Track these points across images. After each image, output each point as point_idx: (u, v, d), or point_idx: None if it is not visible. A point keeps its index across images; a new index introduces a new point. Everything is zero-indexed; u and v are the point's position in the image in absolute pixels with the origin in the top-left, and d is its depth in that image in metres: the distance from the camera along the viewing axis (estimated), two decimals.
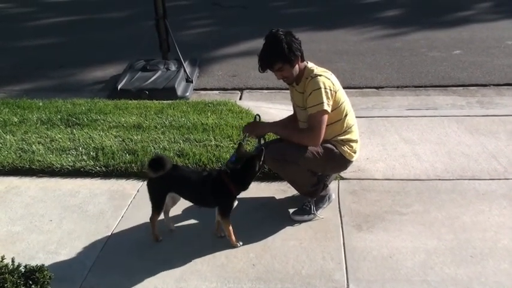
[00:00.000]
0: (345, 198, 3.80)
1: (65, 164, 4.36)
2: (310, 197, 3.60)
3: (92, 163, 4.36)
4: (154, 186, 3.31)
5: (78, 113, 5.40)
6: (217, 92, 6.61)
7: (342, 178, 4.06)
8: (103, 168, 4.31)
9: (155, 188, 3.31)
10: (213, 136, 4.73)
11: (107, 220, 3.67)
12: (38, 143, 4.74)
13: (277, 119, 5.10)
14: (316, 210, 3.59)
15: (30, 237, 3.50)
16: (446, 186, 3.92)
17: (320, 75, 3.41)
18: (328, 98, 3.35)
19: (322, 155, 3.46)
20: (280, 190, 3.96)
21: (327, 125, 3.40)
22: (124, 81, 6.43)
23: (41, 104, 5.76)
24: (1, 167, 4.39)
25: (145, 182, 3.43)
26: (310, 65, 3.52)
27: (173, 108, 5.51)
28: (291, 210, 3.63)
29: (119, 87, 6.29)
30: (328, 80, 3.41)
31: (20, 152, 4.59)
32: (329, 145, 3.50)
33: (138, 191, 4.03)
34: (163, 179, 3.19)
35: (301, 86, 3.50)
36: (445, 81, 6.59)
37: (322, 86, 3.35)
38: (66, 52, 8.55)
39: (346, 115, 3.52)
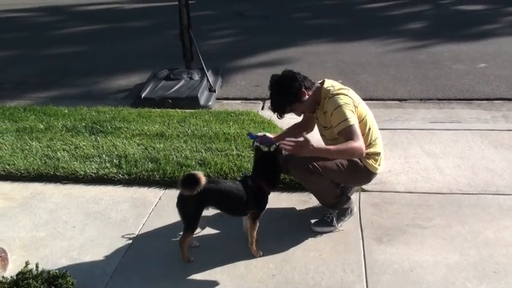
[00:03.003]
0: (366, 211, 3.78)
1: (88, 171, 4.42)
2: (333, 209, 3.59)
3: (115, 171, 4.41)
4: (188, 204, 3.15)
5: (103, 121, 5.48)
6: (239, 101, 6.64)
7: (363, 190, 4.04)
8: (126, 176, 4.36)
9: (190, 206, 3.16)
10: (235, 146, 4.76)
11: (129, 227, 3.70)
12: (63, 150, 4.82)
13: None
14: (338, 223, 3.58)
15: (53, 243, 3.55)
16: (470, 200, 3.87)
17: (337, 94, 3.40)
18: (351, 111, 3.33)
19: (347, 167, 3.45)
20: (301, 201, 3.96)
21: None
22: (148, 89, 6.51)
23: (66, 111, 5.86)
24: (27, 173, 4.47)
25: (176, 200, 3.21)
26: (327, 84, 3.50)
27: (196, 117, 5.56)
28: (312, 221, 3.62)
29: (142, 96, 6.37)
30: (346, 96, 3.40)
31: (45, 158, 4.67)
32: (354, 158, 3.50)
33: (160, 199, 4.07)
34: (198, 194, 3.07)
35: (322, 106, 3.50)
36: (469, 95, 6.52)
37: (341, 103, 3.34)
38: (92, 60, 8.70)
39: (369, 128, 3.51)
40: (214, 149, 4.73)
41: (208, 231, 3.63)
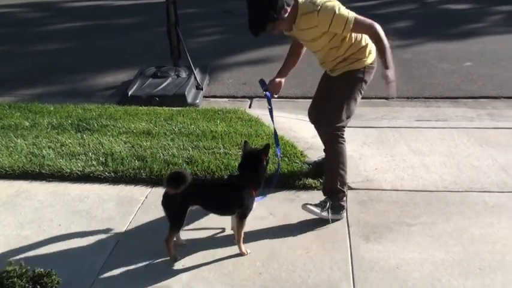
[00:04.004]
0: (352, 208, 3.79)
1: (74, 169, 4.38)
2: (330, 198, 3.61)
3: (101, 168, 4.38)
4: (173, 202, 3.15)
5: (89, 119, 5.44)
6: (226, 99, 6.64)
7: (350, 188, 4.05)
8: (112, 174, 4.33)
9: (175, 205, 3.16)
10: (222, 144, 4.75)
11: (116, 225, 3.68)
12: (49, 148, 4.78)
13: (286, 127, 5.15)
14: (330, 215, 3.58)
15: (38, 241, 3.52)
16: (455, 198, 3.90)
17: (323, 2, 3.39)
18: (345, 9, 3.42)
19: (355, 92, 3.70)
20: (288, 199, 3.96)
21: (338, 46, 3.58)
22: (135, 87, 6.47)
23: (52, 108, 5.81)
24: (11, 170, 4.42)
25: (161, 198, 3.23)
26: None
27: (183, 115, 5.54)
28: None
29: (129, 93, 6.33)
30: (330, 1, 3.43)
31: (30, 156, 4.63)
32: (349, 79, 3.68)
33: (146, 197, 4.05)
34: (184, 193, 3.07)
35: (302, 23, 3.48)
36: (455, 93, 6.58)
37: (335, 9, 3.37)
38: (79, 57, 8.64)
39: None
40: (202, 147, 4.72)
41: (195, 229, 3.62)
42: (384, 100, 6.39)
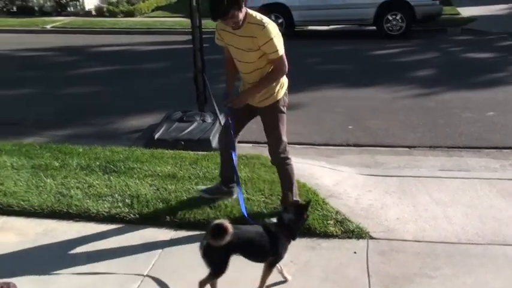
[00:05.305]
0: (373, 259, 3.81)
1: (100, 210, 4.51)
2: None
3: (127, 210, 4.50)
4: (216, 252, 3.15)
5: (116, 161, 5.59)
6: (250, 145, 6.72)
7: (372, 238, 4.08)
8: (137, 216, 4.44)
9: (217, 255, 3.17)
10: (245, 189, 4.83)
11: (139, 267, 3.76)
12: (77, 188, 4.92)
13: (307, 174, 5.23)
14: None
15: (64, 279, 3.61)
16: (477, 250, 3.90)
17: (269, 23, 3.88)
18: (280, 43, 3.92)
19: (282, 122, 4.27)
20: (309, 247, 3.99)
21: (262, 68, 4.04)
22: (161, 131, 6.64)
23: (81, 150, 5.99)
24: (40, 209, 4.56)
25: (201, 247, 3.21)
26: (249, 10, 3.92)
27: (207, 160, 5.65)
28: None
29: (155, 137, 6.49)
30: (275, 25, 3.92)
31: (59, 195, 4.77)
32: (277, 109, 4.22)
33: (170, 239, 4.13)
34: (226, 243, 3.09)
35: (246, 30, 3.89)
36: (478, 143, 6.58)
37: (276, 34, 3.87)
38: (108, 100, 8.90)
39: None
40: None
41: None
42: (406, 149, 6.43)
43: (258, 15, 3.93)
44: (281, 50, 3.93)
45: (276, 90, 4.15)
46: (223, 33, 4.07)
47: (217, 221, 3.08)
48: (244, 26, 3.88)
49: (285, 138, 4.31)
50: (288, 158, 4.38)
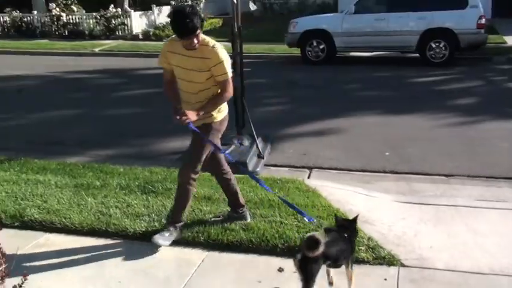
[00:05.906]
0: (404, 286, 3.79)
1: (137, 229, 4.64)
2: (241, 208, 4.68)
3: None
4: (311, 264, 3.31)
5: (154, 181, 5.76)
6: (286, 169, 6.79)
7: (403, 265, 4.06)
8: None
9: (313, 265, 3.31)
10: (279, 213, 4.89)
11: (172, 286, 3.86)
12: (116, 207, 5.09)
13: (341, 199, 5.25)
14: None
15: None
16: (510, 282, 3.82)
17: (220, 47, 4.17)
18: (229, 66, 4.21)
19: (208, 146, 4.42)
20: (340, 272, 3.98)
21: (208, 89, 4.28)
22: None
23: (121, 170, 6.19)
24: (80, 227, 4.74)
25: (297, 261, 3.35)
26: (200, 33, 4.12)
27: (243, 183, 5.73)
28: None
29: None
30: (224, 49, 4.21)
31: (98, 214, 4.95)
32: (208, 131, 4.41)
33: (203, 260, 4.22)
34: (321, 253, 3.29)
35: (198, 51, 4.13)
36: None
37: (226, 58, 4.17)
38: (149, 122, 9.16)
39: None
40: (258, 214, 4.88)
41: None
42: (443, 177, 6.36)
43: (208, 38, 4.22)
44: (229, 73, 4.22)
45: (215, 112, 4.37)
46: (171, 55, 4.28)
47: (309, 234, 3.36)
48: (199, 47, 4.13)
49: (201, 161, 4.41)
50: (194, 180, 4.46)
